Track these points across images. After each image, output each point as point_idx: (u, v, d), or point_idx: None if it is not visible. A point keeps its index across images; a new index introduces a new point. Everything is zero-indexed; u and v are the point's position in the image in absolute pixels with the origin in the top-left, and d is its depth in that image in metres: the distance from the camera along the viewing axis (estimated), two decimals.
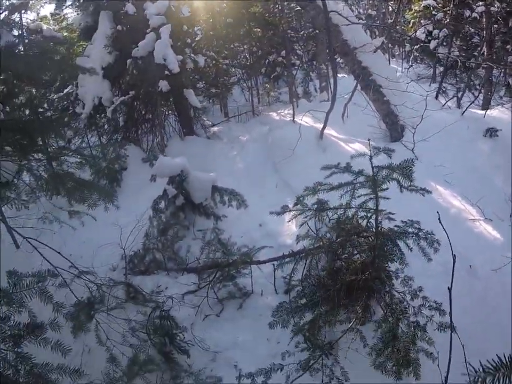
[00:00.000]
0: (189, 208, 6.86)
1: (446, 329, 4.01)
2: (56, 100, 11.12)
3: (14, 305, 2.87)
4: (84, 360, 5.26)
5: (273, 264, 5.52)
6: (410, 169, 3.63)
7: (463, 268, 5.48)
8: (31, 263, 5.28)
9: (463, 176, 7.16)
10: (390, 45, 24.38)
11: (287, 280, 5.35)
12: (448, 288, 3.14)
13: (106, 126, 11.22)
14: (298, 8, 16.19)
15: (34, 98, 8.75)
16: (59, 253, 5.22)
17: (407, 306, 4.29)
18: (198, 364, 5.01)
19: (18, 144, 4.85)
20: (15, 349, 2.75)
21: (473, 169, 7.42)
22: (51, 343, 2.92)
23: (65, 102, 11.14)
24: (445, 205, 6.71)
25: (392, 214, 4.42)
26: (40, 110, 9.82)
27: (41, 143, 5.25)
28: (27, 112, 8.77)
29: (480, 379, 1.44)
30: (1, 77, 5.87)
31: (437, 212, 3.55)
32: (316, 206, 4.36)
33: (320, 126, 9.28)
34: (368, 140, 3.88)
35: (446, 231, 3.42)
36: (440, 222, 3.46)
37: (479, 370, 1.46)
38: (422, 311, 4.32)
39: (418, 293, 4.43)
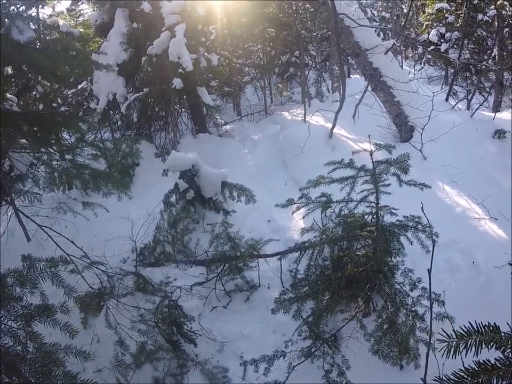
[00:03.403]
0: (199, 202, 6.98)
1: (443, 319, 4.13)
2: (70, 95, 11.32)
3: (27, 286, 2.98)
4: (93, 349, 5.42)
5: (280, 258, 5.64)
6: (406, 163, 3.74)
7: (466, 264, 5.58)
8: (42, 254, 5.54)
9: (470, 176, 7.18)
10: (402, 47, 24.32)
11: (293, 274, 5.46)
12: (428, 270, 3.30)
13: (119, 122, 11.42)
14: (313, 9, 16.24)
15: (49, 93, 8.99)
16: (72, 242, 5.35)
17: (406, 296, 4.39)
18: (205, 353, 5.13)
19: (32, 137, 4.95)
20: (26, 328, 2.88)
21: (480, 170, 7.45)
22: (60, 324, 3.01)
23: (80, 98, 11.34)
24: (451, 204, 6.78)
25: (395, 209, 4.52)
26: (54, 104, 10.07)
27: (55, 136, 5.36)
28: (41, 106, 9.00)
29: (453, 344, 1.54)
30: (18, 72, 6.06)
31: (421, 202, 3.65)
32: (319, 199, 4.49)
33: (329, 125, 9.35)
34: (369, 136, 3.99)
35: (427, 218, 3.73)
36: (422, 210, 3.58)
37: (451, 335, 1.56)
38: (421, 301, 4.41)
39: (417, 283, 4.54)
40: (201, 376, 4.92)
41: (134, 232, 6.32)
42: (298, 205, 4.59)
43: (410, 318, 4.18)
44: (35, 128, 4.82)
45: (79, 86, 11.48)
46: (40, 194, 6.17)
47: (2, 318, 2.83)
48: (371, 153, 3.73)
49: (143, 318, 4.83)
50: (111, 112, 10.95)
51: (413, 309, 4.30)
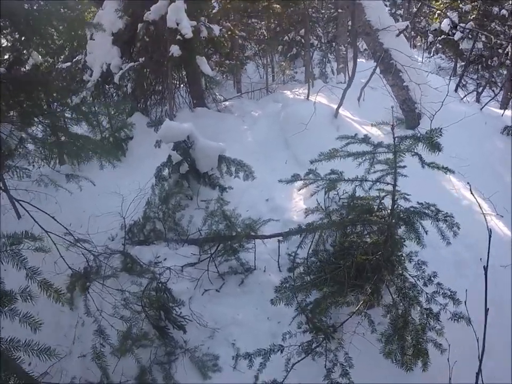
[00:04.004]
0: (193, 177, 6.55)
1: (460, 320, 3.78)
2: (64, 69, 10.86)
3: None
4: (77, 333, 5.14)
5: (278, 240, 5.28)
6: (437, 138, 3.31)
7: (475, 261, 5.29)
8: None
9: (478, 170, 6.86)
10: (412, 33, 23.93)
11: (291, 258, 5.14)
12: (484, 267, 2.86)
13: (114, 95, 10.99)
14: None
15: (41, 65, 8.56)
16: (53, 217, 5.03)
17: (420, 292, 4.03)
18: (195, 340, 4.84)
19: (21, 107, 4.63)
20: None
21: (488, 165, 7.18)
22: (20, 315, 2.61)
23: (73, 70, 10.88)
24: (458, 196, 6.52)
25: (408, 195, 4.13)
26: (45, 77, 9.62)
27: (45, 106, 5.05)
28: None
29: None
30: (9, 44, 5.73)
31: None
32: (329, 176, 4.05)
33: (335, 106, 9.02)
34: (392, 107, 3.53)
35: None
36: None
37: None
38: (436, 298, 4.06)
39: (432, 278, 4.16)
40: (190, 364, 4.61)
41: (124, 208, 5.96)
42: (305, 181, 4.14)
43: (425, 316, 3.80)
44: (22, 98, 4.52)
45: (74, 60, 11.05)
46: (30, 169, 5.81)
47: None
48: (393, 127, 3.28)
49: (128, 302, 4.48)
50: (106, 86, 10.51)
51: (427, 306, 3.93)
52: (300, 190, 4.44)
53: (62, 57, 11.71)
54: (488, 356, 2.90)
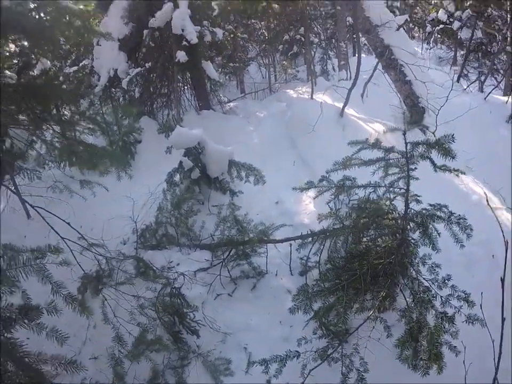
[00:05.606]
0: (204, 182, 6.61)
1: (474, 322, 3.78)
2: (72, 73, 10.93)
3: (6, 285, 2.58)
4: (89, 334, 5.17)
5: (290, 244, 5.33)
6: (450, 146, 3.35)
7: (487, 257, 5.29)
8: (43, 233, 5.27)
9: (485, 162, 6.88)
10: (411, 24, 23.84)
11: (303, 262, 5.18)
12: (501, 278, 2.90)
13: (121, 100, 11.03)
14: None
15: (50, 70, 8.60)
16: (68, 223, 5.04)
17: (434, 295, 4.04)
18: (207, 344, 4.87)
19: (32, 113, 4.65)
20: (5, 334, 2.48)
21: (495, 156, 7.16)
22: (46, 329, 2.65)
23: (81, 74, 10.94)
24: (467, 191, 6.50)
25: (419, 196, 4.15)
26: (55, 82, 9.66)
27: (55, 111, 5.05)
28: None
29: None
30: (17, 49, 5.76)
31: None
32: (342, 182, 4.08)
33: (339, 104, 9.03)
34: (403, 114, 3.56)
35: None
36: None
37: None
38: (450, 301, 4.06)
39: (446, 281, 4.16)
40: (203, 369, 4.65)
41: (135, 212, 6.06)
42: (319, 189, 4.16)
43: (440, 320, 3.82)
44: (33, 104, 4.53)
45: (80, 64, 11.10)
46: (40, 171, 5.86)
47: None
48: (404, 132, 3.32)
49: (143, 308, 4.52)
50: (113, 90, 10.53)
51: (442, 310, 3.94)
52: (315, 198, 4.45)
53: (69, 61, 11.79)
54: (503, 358, 2.93)
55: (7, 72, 6.00)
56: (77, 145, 4.54)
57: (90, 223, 6.31)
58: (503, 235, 2.89)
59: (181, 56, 8.62)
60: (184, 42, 8.59)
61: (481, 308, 3.16)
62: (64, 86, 6.47)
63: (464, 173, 3.81)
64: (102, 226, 5.89)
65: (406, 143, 3.40)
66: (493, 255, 5.29)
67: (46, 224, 4.82)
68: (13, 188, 6.62)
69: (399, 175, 3.79)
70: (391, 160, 3.61)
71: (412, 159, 3.46)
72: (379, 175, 3.93)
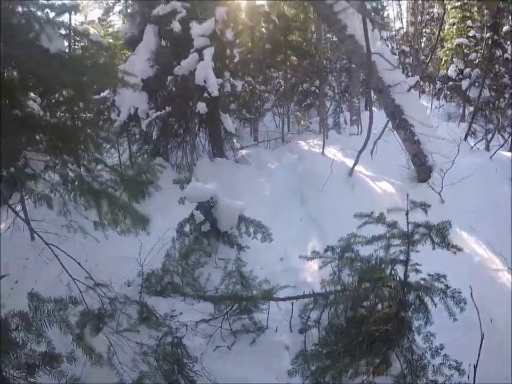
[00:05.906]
0: (213, 235, 6.78)
1: None
2: (92, 101, 11.23)
3: (32, 333, 2.75)
4: (85, 372, 5.22)
5: (292, 303, 5.43)
6: (447, 231, 3.55)
7: (484, 322, 5.18)
8: (44, 254, 5.82)
9: (489, 222, 6.98)
10: (421, 82, 24.41)
11: (304, 320, 5.24)
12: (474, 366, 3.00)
13: (138, 136, 11.30)
14: (335, 39, 16.34)
15: (74, 98, 8.82)
16: (79, 263, 5.25)
17: (427, 364, 4.14)
18: None
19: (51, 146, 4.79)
20: (28, 379, 2.63)
21: (500, 215, 7.23)
22: (66, 376, 2.80)
23: (101, 106, 11.25)
24: (469, 252, 6.48)
25: (419, 265, 4.30)
26: (75, 108, 9.92)
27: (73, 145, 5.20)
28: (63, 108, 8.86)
29: None
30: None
31: None
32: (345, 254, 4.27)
33: (348, 160, 9.37)
34: (407, 196, 3.76)
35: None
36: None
37: None
38: (441, 370, 4.14)
39: (439, 350, 4.27)
40: None
41: (142, 255, 6.10)
42: (324, 260, 4.36)
43: None
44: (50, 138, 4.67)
45: (102, 94, 11.42)
46: (51, 197, 6.03)
47: (3, 366, 2.58)
48: (407, 213, 3.53)
49: (145, 355, 4.60)
50: (131, 124, 10.81)
51: (433, 378, 4.04)
52: (320, 268, 4.63)
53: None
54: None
55: (31, 94, 5.98)
56: (99, 193, 4.70)
57: (97, 261, 6.43)
58: None
59: (201, 107, 8.91)
60: (205, 94, 8.87)
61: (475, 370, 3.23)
62: (84, 116, 6.66)
63: (462, 249, 3.95)
64: (108, 266, 6.04)
65: (408, 223, 3.60)
66: (491, 320, 5.32)
67: (46, 248, 5.05)
68: (21, 208, 6.80)
69: (400, 248, 3.96)
70: (392, 238, 3.79)
71: (413, 237, 3.64)
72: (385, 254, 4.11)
